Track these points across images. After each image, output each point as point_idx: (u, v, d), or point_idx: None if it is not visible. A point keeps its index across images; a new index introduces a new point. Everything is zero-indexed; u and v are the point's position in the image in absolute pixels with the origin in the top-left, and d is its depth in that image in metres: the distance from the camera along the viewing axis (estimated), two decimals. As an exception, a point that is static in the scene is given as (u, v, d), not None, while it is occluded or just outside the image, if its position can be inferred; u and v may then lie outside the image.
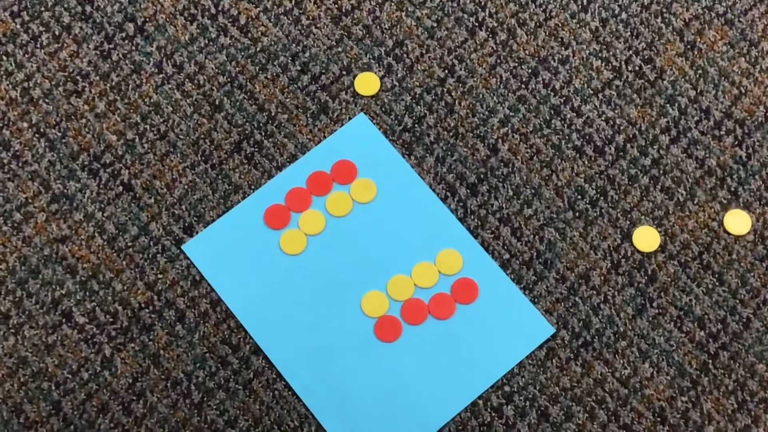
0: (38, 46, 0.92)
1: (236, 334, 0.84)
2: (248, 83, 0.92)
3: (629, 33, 0.93)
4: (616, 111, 0.91)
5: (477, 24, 0.94)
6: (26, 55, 0.92)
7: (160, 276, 0.86)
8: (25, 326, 0.84)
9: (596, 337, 0.84)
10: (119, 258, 0.86)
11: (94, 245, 0.86)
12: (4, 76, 0.91)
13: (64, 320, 0.84)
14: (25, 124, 0.90)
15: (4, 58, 0.92)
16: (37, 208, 0.87)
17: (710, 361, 0.83)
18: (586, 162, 0.89)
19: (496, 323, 0.84)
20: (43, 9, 0.94)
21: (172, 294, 0.85)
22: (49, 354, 0.84)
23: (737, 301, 0.85)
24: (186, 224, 0.87)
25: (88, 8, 0.94)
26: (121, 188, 0.88)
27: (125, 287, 0.85)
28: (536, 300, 0.85)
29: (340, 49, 0.93)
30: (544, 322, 0.84)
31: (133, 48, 0.93)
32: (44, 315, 0.85)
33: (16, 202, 0.87)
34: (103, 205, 0.88)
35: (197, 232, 0.87)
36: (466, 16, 0.94)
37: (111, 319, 0.85)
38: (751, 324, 0.84)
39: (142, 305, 0.85)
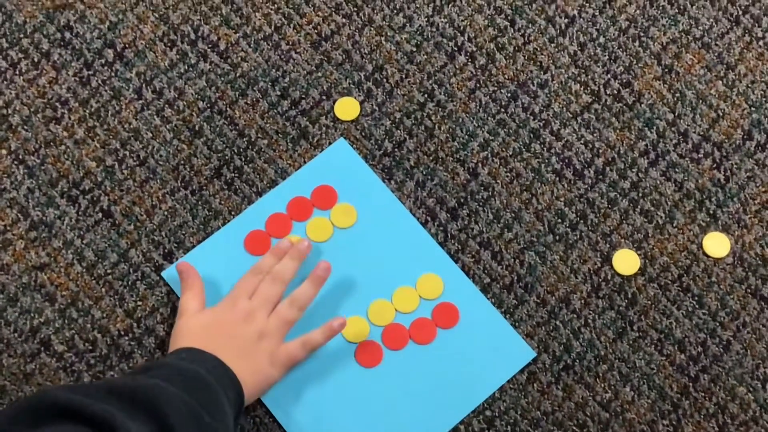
0: (17, 72, 0.92)
1: (216, 360, 0.84)
2: (228, 109, 0.92)
3: (607, 57, 0.94)
4: (595, 134, 0.91)
5: (456, 48, 0.94)
6: (5, 82, 0.92)
7: (139, 303, 0.85)
8: (3, 354, 0.84)
9: (577, 361, 0.84)
10: (98, 285, 0.86)
11: (73, 273, 0.86)
12: (-17, 103, 0.91)
13: (42, 348, 0.84)
14: (4, 151, 0.90)
15: (-17, 85, 0.92)
16: (16, 236, 0.87)
17: (691, 384, 0.83)
18: (566, 185, 0.89)
19: (477, 347, 0.84)
20: (22, 36, 0.94)
21: (152, 321, 0.85)
22: (28, 382, 0.83)
23: (717, 324, 0.85)
24: (166, 251, 0.87)
25: (67, 35, 0.94)
26: (100, 215, 0.88)
27: (104, 315, 0.85)
28: (517, 324, 0.85)
29: (319, 74, 0.93)
30: (525, 345, 0.84)
31: (113, 74, 0.92)
32: (22, 343, 0.84)
33: (-5, 230, 0.87)
34: (82, 232, 0.87)
35: (177, 259, 0.87)
36: (445, 40, 0.94)
37: (90, 347, 0.84)
38: (731, 346, 0.84)
39: (122, 333, 0.84)
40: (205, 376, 0.73)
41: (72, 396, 0.64)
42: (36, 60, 0.93)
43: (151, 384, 0.68)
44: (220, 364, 0.76)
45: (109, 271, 0.86)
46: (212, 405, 0.71)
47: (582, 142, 0.91)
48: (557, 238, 0.88)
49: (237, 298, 0.81)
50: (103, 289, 0.86)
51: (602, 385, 0.83)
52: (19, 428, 0.62)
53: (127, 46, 0.94)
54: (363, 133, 0.91)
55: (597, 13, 0.95)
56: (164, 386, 0.69)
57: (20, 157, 0.89)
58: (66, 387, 0.73)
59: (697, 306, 0.85)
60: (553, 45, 0.94)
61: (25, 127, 0.91)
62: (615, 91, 0.92)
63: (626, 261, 0.87)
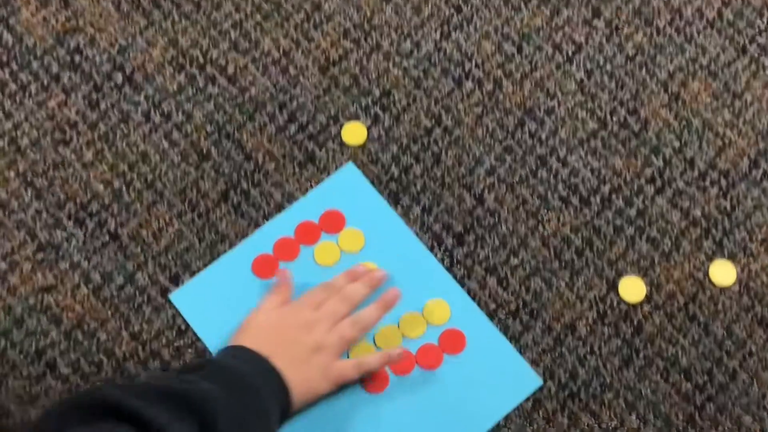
0: (27, 95, 0.93)
1: (222, 384, 0.84)
2: (236, 132, 0.92)
3: (614, 84, 0.94)
4: (602, 161, 0.91)
5: (464, 74, 0.95)
6: (15, 105, 0.92)
7: (145, 326, 0.85)
8: (9, 376, 0.84)
9: (583, 388, 0.84)
10: (104, 308, 0.86)
11: (80, 295, 0.86)
12: (-8, 125, 0.92)
13: (48, 371, 0.84)
14: (13, 173, 0.90)
15: (-8, 107, 0.92)
16: (23, 257, 0.87)
17: (697, 413, 0.83)
18: (572, 212, 0.90)
19: (484, 374, 0.83)
20: (32, 58, 0.94)
21: (157, 344, 0.85)
22: (33, 405, 0.83)
23: (723, 353, 0.85)
24: (172, 274, 0.87)
25: (77, 58, 0.94)
26: (107, 237, 0.88)
27: (110, 337, 0.85)
28: (523, 350, 0.85)
29: (327, 99, 0.94)
30: (532, 373, 0.84)
31: (122, 97, 0.93)
32: (28, 365, 0.84)
33: (2, 251, 0.87)
34: (89, 255, 0.87)
35: (183, 282, 0.87)
36: (452, 66, 0.95)
37: (95, 370, 0.84)
38: (738, 375, 0.84)
39: (127, 355, 0.84)
40: (252, 379, 0.74)
41: (123, 396, 0.65)
42: (46, 83, 0.93)
43: (203, 390, 0.69)
44: (269, 367, 0.76)
45: (115, 293, 0.86)
46: (256, 408, 0.72)
47: (588, 168, 0.91)
48: (563, 264, 0.88)
49: (303, 307, 0.82)
50: (109, 312, 0.86)
51: (608, 413, 0.83)
52: (68, 426, 0.62)
53: (136, 69, 0.94)
54: (370, 158, 0.91)
55: (604, 41, 0.96)
56: (216, 393, 0.69)
57: (29, 179, 0.90)
58: (117, 386, 0.73)
59: (703, 334, 0.85)
60: (560, 72, 0.95)
61: (34, 149, 0.91)
62: (622, 119, 0.93)
63: (632, 288, 0.87)
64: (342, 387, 0.81)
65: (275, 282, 0.85)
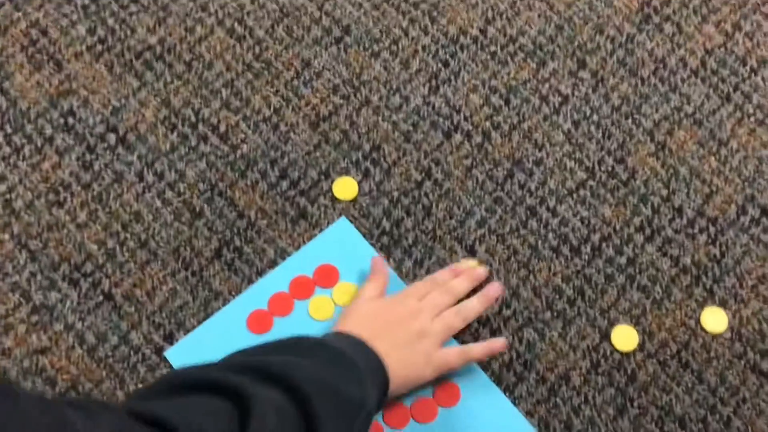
0: (20, 158, 0.94)
1: (217, 443, 0.83)
2: (228, 190, 0.93)
3: (601, 134, 0.95)
4: (591, 210, 0.92)
5: (452, 127, 0.96)
6: (9, 167, 0.93)
7: (140, 385, 0.85)
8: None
9: (578, 439, 0.84)
10: (99, 368, 0.86)
11: (74, 356, 0.86)
12: (-13, 188, 0.93)
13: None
14: (7, 236, 0.91)
15: (-13, 170, 0.93)
16: (17, 320, 0.88)
17: (693, 461, 0.83)
18: (563, 261, 0.90)
19: (479, 427, 0.83)
20: (25, 122, 0.95)
21: (153, 403, 0.85)
22: (28, 468, 0.83)
23: (717, 400, 0.85)
24: (167, 332, 0.87)
25: (70, 120, 0.96)
26: (101, 297, 0.89)
27: (105, 397, 0.85)
28: (517, 401, 0.85)
29: (318, 154, 0.95)
30: (527, 425, 0.84)
31: (115, 158, 0.94)
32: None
33: (-3, 314, 0.88)
34: (83, 315, 0.88)
35: (177, 340, 0.87)
36: (441, 119, 0.96)
37: None
38: (732, 423, 0.84)
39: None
40: (350, 355, 0.74)
41: (204, 371, 0.66)
42: (39, 145, 0.94)
43: (284, 359, 0.69)
44: (365, 346, 0.76)
45: (109, 353, 0.87)
46: (351, 378, 0.71)
47: (578, 218, 0.92)
48: (555, 314, 0.88)
49: (407, 297, 0.84)
50: (104, 372, 0.86)
51: (604, 463, 0.83)
52: (157, 399, 0.62)
53: (129, 130, 0.95)
54: (361, 213, 0.92)
55: (590, 92, 0.97)
56: (298, 360, 0.69)
57: (23, 241, 0.90)
58: (200, 366, 0.72)
59: (696, 382, 0.85)
60: (547, 123, 0.96)
61: (28, 211, 0.92)
62: (609, 168, 0.94)
63: (625, 337, 0.87)
64: (444, 375, 0.83)
65: (372, 269, 0.87)
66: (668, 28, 1.00)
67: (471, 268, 0.87)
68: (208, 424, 0.60)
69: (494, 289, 0.86)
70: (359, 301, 0.84)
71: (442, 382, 0.85)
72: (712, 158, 0.94)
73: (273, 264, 0.90)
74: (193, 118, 0.96)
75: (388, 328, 0.80)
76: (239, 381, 0.63)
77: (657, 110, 0.96)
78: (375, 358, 0.76)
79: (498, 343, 0.84)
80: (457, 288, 0.85)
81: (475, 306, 0.85)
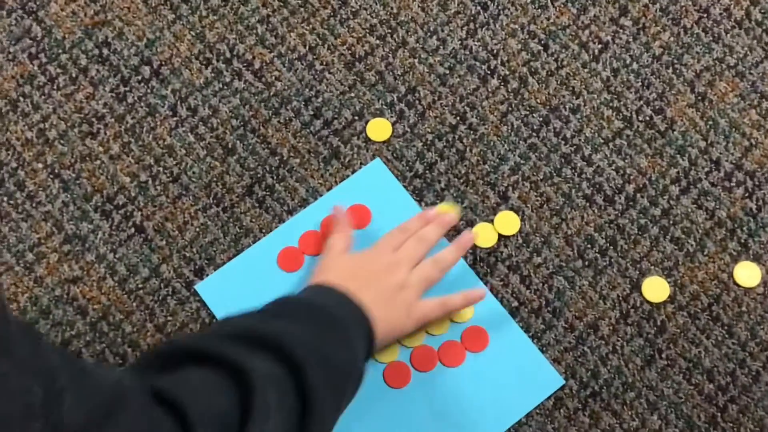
0: (55, 87, 0.94)
1: (244, 378, 0.84)
2: (261, 127, 0.92)
3: (640, 83, 0.94)
4: (627, 161, 0.91)
5: (489, 72, 0.95)
6: (43, 97, 0.93)
7: (169, 318, 0.86)
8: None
9: (604, 388, 0.84)
10: (129, 300, 0.87)
11: (105, 287, 0.87)
12: (21, 117, 0.93)
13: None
14: (40, 165, 0.91)
15: (21, 99, 0.93)
16: (50, 249, 0.88)
17: (719, 414, 0.83)
18: (596, 211, 0.89)
19: (506, 373, 0.84)
20: (60, 51, 0.95)
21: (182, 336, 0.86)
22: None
23: (747, 354, 0.84)
24: (197, 267, 0.88)
25: (105, 51, 0.95)
26: (133, 230, 0.89)
27: (135, 329, 0.86)
28: (544, 349, 0.85)
29: (352, 95, 0.94)
30: (554, 372, 0.84)
31: (149, 91, 0.94)
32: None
33: (29, 242, 0.88)
34: (114, 247, 0.88)
35: (207, 275, 0.87)
36: (478, 63, 0.95)
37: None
38: (761, 377, 0.84)
39: (152, 347, 0.85)
40: (333, 311, 0.74)
41: (200, 342, 0.66)
42: (74, 75, 0.94)
43: (277, 329, 0.69)
44: (350, 301, 0.76)
45: (140, 285, 0.87)
46: (338, 340, 0.72)
47: (613, 168, 0.91)
48: (586, 263, 0.88)
49: (382, 250, 0.83)
50: (134, 304, 0.86)
51: (629, 412, 0.83)
52: (154, 374, 0.62)
53: (163, 63, 0.95)
54: (394, 155, 0.92)
55: (631, 40, 0.95)
56: (290, 328, 0.69)
57: (56, 171, 0.91)
58: (193, 335, 0.73)
59: (726, 335, 0.85)
60: (586, 70, 0.94)
61: (62, 141, 0.92)
62: (647, 118, 0.93)
63: (656, 288, 0.86)
64: (425, 326, 0.83)
65: (336, 220, 0.86)
66: (713, -23, 0.98)
67: (441, 214, 0.85)
68: (213, 401, 0.60)
69: (468, 237, 0.85)
70: (332, 254, 0.83)
71: (470, 326, 0.85)
72: (753, 111, 0.92)
73: (304, 203, 0.90)
74: (227, 54, 0.95)
75: (369, 281, 0.79)
76: (237, 354, 0.63)
77: (698, 61, 0.95)
78: (359, 311, 0.76)
79: (477, 293, 0.83)
80: (430, 236, 0.84)
81: (451, 254, 0.84)
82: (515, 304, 0.86)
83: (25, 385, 0.48)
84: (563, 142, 0.92)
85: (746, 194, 0.90)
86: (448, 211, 0.86)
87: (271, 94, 0.94)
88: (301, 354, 0.66)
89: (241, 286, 0.87)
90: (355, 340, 0.73)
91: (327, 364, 0.68)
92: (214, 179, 0.91)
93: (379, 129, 0.92)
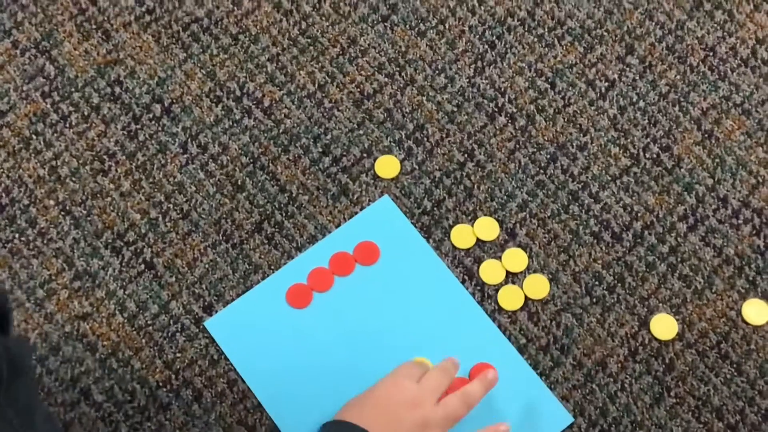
0: (67, 125, 0.95)
1: (252, 414, 0.84)
2: (270, 164, 0.93)
3: (647, 121, 0.94)
4: (634, 198, 0.91)
5: (496, 109, 0.95)
6: (55, 134, 0.94)
7: (178, 355, 0.86)
8: (44, 403, 0.85)
9: (613, 426, 0.83)
10: (139, 336, 0.87)
11: (115, 323, 0.87)
12: (33, 155, 0.94)
13: (82, 398, 0.85)
14: (52, 202, 0.92)
15: (34, 137, 0.94)
16: (60, 285, 0.89)
17: (729, 453, 0.83)
18: (604, 248, 0.90)
19: (515, 410, 0.83)
20: (73, 90, 0.96)
21: (190, 373, 0.86)
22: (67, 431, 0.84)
23: (756, 392, 0.84)
24: (206, 303, 0.88)
25: (116, 89, 0.96)
26: (143, 266, 0.89)
27: (144, 365, 0.86)
28: (553, 386, 0.85)
29: (361, 132, 0.95)
30: (562, 410, 0.83)
31: (160, 128, 0.95)
32: (63, 392, 0.85)
33: (40, 279, 0.89)
34: (124, 283, 0.89)
35: (216, 311, 0.88)
36: (485, 101, 0.96)
37: (129, 398, 0.85)
38: (770, 416, 0.84)
39: (160, 384, 0.85)
40: None
41: None
42: (86, 113, 0.95)
43: None
44: None
45: (149, 322, 0.87)
46: None
47: (621, 205, 0.91)
48: (594, 300, 0.88)
49: (403, 378, 0.79)
50: (144, 340, 0.87)
51: (639, 451, 0.83)
52: None
53: (174, 101, 0.96)
54: (402, 192, 0.92)
55: (637, 78, 0.96)
56: None
57: (67, 207, 0.91)
58: None
59: (735, 373, 0.85)
60: (593, 108, 0.95)
61: (73, 178, 0.93)
62: (654, 155, 0.93)
63: (664, 326, 0.86)
64: None
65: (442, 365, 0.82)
66: (719, 15, 0.99)
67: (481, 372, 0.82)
68: None
69: (493, 372, 0.81)
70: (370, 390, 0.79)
71: (479, 363, 0.85)
72: (760, 149, 0.93)
73: (313, 240, 0.90)
74: (237, 92, 0.96)
75: (390, 418, 0.76)
76: None
77: (705, 99, 0.95)
78: None
79: (491, 375, 0.80)
80: (452, 369, 0.81)
81: (478, 390, 0.79)
82: (523, 341, 0.86)
83: None
84: (571, 180, 0.92)
85: (754, 231, 0.90)
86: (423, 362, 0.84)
87: (281, 131, 0.95)
88: None
89: (250, 322, 0.87)
90: None
91: None
92: (224, 216, 0.91)
93: (387, 166, 0.93)
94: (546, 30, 0.99)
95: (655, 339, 0.86)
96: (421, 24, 0.99)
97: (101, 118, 0.95)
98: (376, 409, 0.76)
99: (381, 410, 0.76)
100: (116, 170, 0.93)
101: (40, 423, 0.47)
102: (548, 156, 0.93)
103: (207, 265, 0.89)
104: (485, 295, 0.88)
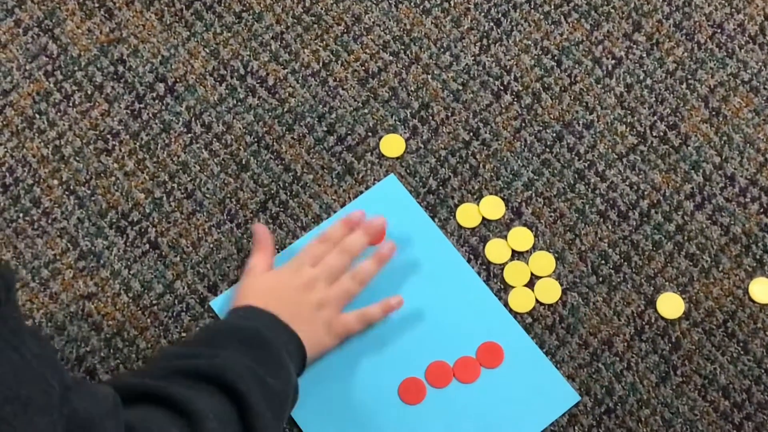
0: (71, 104, 0.94)
1: (258, 394, 0.84)
2: (275, 143, 0.93)
3: (654, 99, 0.94)
4: (641, 176, 0.91)
5: (502, 87, 0.95)
6: (59, 114, 0.94)
7: (183, 334, 0.86)
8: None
9: (619, 405, 0.83)
10: (144, 316, 0.87)
11: (120, 303, 0.87)
12: (37, 134, 0.93)
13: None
14: (56, 182, 0.91)
15: (37, 116, 0.94)
16: (65, 265, 0.88)
17: (735, 431, 0.82)
18: (610, 227, 0.89)
19: (521, 389, 0.83)
20: (76, 69, 0.96)
21: (196, 353, 0.86)
22: (73, 411, 0.84)
23: (762, 371, 0.84)
24: (210, 283, 0.88)
25: (120, 68, 0.96)
26: (147, 246, 0.89)
27: (149, 345, 0.86)
28: (559, 365, 0.85)
29: (366, 111, 0.94)
30: (569, 389, 0.83)
31: (163, 108, 0.94)
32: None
33: (45, 259, 0.89)
34: (129, 263, 0.88)
35: (221, 291, 0.87)
36: (491, 79, 0.95)
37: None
38: (777, 394, 0.83)
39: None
40: (264, 333, 0.75)
41: (149, 383, 0.67)
42: (89, 92, 0.95)
43: (217, 362, 0.70)
44: (277, 320, 0.77)
45: (154, 301, 0.87)
46: (272, 362, 0.73)
47: (627, 183, 0.91)
48: (600, 279, 0.87)
49: (302, 265, 0.83)
50: (149, 320, 0.87)
51: (644, 429, 0.83)
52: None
53: (177, 80, 0.95)
54: (408, 170, 0.92)
55: (644, 55, 0.95)
56: (230, 359, 0.71)
57: (71, 187, 0.91)
58: (132, 373, 0.76)
59: (742, 352, 0.85)
60: (599, 86, 0.94)
61: (77, 158, 0.92)
62: (661, 133, 0.92)
63: (670, 304, 0.86)
64: (346, 340, 0.83)
65: (256, 238, 0.85)
66: (727, -8, 0.98)
67: (367, 220, 0.85)
68: None
69: (388, 248, 0.84)
70: (251, 276, 0.83)
71: (485, 342, 0.85)
72: None
73: (318, 219, 0.90)
74: (241, 71, 0.96)
75: (287, 303, 0.79)
76: (182, 395, 0.65)
77: (712, 76, 0.94)
78: (287, 330, 0.77)
79: (394, 300, 0.83)
80: (353, 246, 0.83)
81: (370, 268, 0.83)
82: (529, 320, 0.86)
83: (46, 374, 0.52)
84: (577, 158, 0.92)
85: (761, 210, 0.89)
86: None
87: (285, 110, 0.94)
88: (242, 386, 0.68)
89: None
90: (287, 360, 0.75)
91: (266, 388, 0.70)
92: (228, 195, 0.91)
93: (392, 145, 0.93)
94: (552, 7, 0.98)
95: (662, 318, 0.86)
96: (426, 1, 0.98)
97: (104, 97, 0.95)
98: (273, 295, 0.80)
99: (277, 296, 0.80)
100: (120, 149, 0.93)
101: (28, 340, 0.52)
102: (554, 134, 0.93)
103: (212, 245, 0.89)
104: (491, 274, 0.88)
